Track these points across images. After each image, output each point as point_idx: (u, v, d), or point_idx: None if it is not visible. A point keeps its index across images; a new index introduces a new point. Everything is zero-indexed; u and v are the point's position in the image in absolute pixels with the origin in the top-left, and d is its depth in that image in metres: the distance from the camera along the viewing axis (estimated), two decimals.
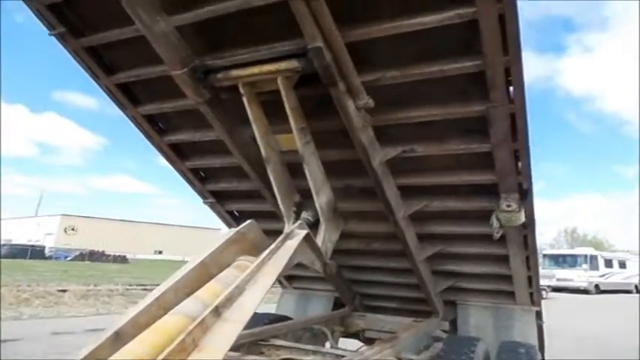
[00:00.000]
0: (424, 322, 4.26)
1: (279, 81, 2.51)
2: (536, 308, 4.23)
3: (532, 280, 3.92)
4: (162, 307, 2.20)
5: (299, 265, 4.53)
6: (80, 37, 2.78)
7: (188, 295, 2.26)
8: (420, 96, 2.66)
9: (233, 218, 4.46)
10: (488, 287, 4.23)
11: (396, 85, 2.59)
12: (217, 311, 2.01)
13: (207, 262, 2.50)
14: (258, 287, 2.19)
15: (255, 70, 2.50)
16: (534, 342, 3.98)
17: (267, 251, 2.33)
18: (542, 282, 21.60)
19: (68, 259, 40.54)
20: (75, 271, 24.32)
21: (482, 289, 4.31)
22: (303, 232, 2.56)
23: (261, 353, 3.29)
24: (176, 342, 1.83)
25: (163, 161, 3.85)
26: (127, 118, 3.42)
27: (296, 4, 2.06)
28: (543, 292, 21.93)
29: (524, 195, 3.01)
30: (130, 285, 17.52)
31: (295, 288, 5.39)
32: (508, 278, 3.96)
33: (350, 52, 2.38)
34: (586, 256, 24.61)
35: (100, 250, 44.09)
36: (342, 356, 2.91)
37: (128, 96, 3.18)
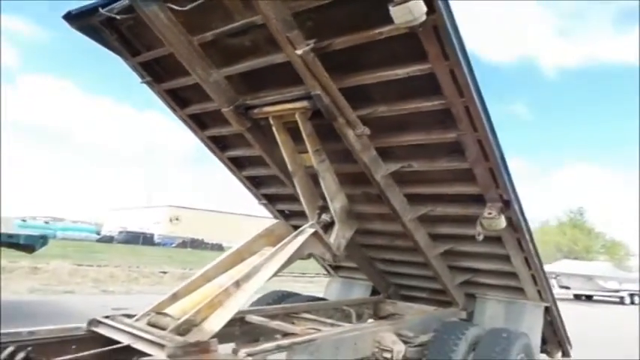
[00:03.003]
0: (439, 309, 4.71)
1: (296, 115, 3.20)
2: (545, 304, 4.47)
3: (536, 278, 4.21)
4: (205, 279, 3.02)
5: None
6: (161, 82, 3.68)
7: (224, 272, 3.05)
8: (408, 124, 3.20)
9: (284, 216, 5.21)
10: (501, 283, 4.57)
11: (388, 116, 3.15)
12: (238, 284, 2.77)
13: (241, 250, 3.28)
14: (269, 268, 2.91)
15: (279, 107, 3.22)
16: (535, 333, 4.27)
17: (280, 244, 3.04)
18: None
19: (173, 245, 44.18)
20: (177, 257, 26.93)
21: (498, 285, 4.64)
22: (311, 230, 3.22)
23: (292, 323, 3.99)
24: (206, 301, 2.62)
25: None
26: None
27: (295, 64, 2.73)
28: (636, 298, 19.68)
29: (507, 204, 3.40)
30: None
31: (340, 277, 6.05)
32: (515, 275, 4.29)
33: (347, 93, 3.00)
34: None
35: (200, 238, 47.56)
36: (342, 327, 3.51)
37: (197, 123, 4.05)
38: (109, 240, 41.77)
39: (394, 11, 2.22)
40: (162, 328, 2.61)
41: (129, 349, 2.47)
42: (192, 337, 2.49)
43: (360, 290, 5.78)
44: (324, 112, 2.99)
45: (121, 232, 46.08)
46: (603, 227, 42.32)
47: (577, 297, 20.58)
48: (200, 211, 61.81)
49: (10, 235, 5.56)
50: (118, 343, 2.52)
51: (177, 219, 58.47)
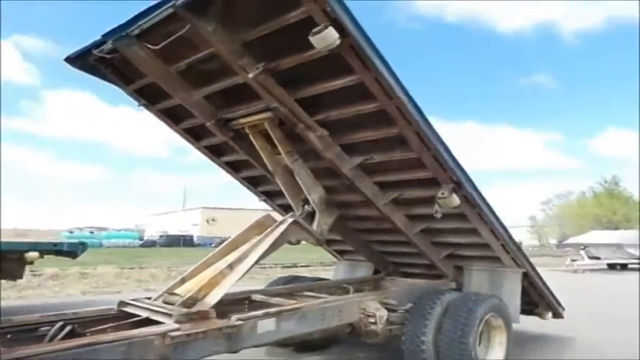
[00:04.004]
0: (429, 281, 5.29)
1: (266, 124, 3.86)
2: (522, 270, 4.97)
3: (505, 247, 4.72)
4: (207, 264, 3.75)
5: (342, 242, 5.90)
6: (155, 104, 4.35)
7: (222, 258, 3.78)
8: (360, 124, 3.78)
9: (284, 210, 5.90)
10: (481, 254, 5.08)
11: (342, 118, 3.76)
12: (231, 267, 3.48)
13: (236, 239, 3.99)
14: (256, 253, 3.61)
15: (251, 119, 3.88)
16: (514, 296, 4.79)
17: (264, 233, 3.74)
18: None
19: (212, 245, 45.96)
20: None
21: (479, 256, 5.16)
22: (290, 220, 3.89)
23: (295, 299, 4.67)
24: (206, 282, 3.36)
25: None
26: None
27: (251, 84, 3.38)
28: None
29: (459, 184, 3.96)
30: None
31: (346, 259, 6.71)
32: (489, 246, 4.81)
33: (304, 102, 3.63)
34: None
35: None
36: (327, 297, 4.17)
37: (192, 135, 4.78)
38: (151, 244, 44.04)
39: (312, 40, 2.80)
40: (173, 304, 3.36)
41: (148, 320, 3.24)
42: (195, 309, 3.23)
43: (363, 271, 6.40)
44: (285, 121, 3.64)
45: (161, 236, 48.44)
46: None
47: (611, 267, 20.33)
48: (233, 210, 63.61)
49: (55, 244, 6.55)
50: (140, 317, 3.30)
51: (213, 220, 60.63)
